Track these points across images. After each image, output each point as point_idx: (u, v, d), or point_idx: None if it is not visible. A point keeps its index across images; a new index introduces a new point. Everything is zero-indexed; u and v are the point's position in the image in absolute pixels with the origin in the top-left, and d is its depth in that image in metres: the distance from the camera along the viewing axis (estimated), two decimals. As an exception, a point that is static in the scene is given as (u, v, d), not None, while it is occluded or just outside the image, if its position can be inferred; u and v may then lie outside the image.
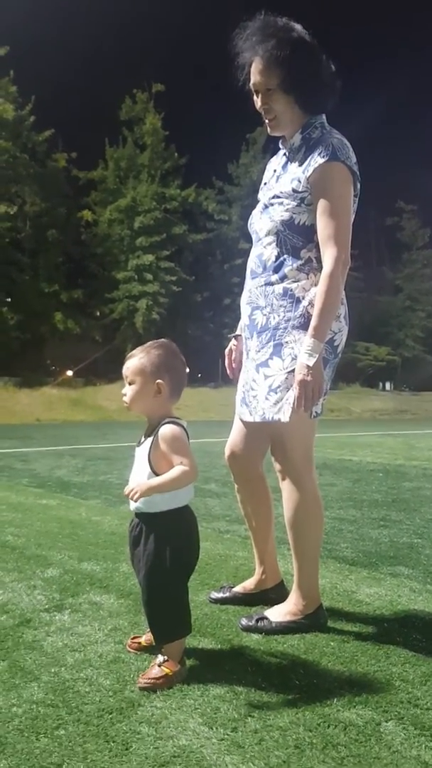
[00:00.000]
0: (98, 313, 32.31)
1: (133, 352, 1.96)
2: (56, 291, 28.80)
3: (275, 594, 2.50)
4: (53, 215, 29.44)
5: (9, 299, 27.08)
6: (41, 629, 2.23)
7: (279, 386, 2.19)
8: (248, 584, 2.56)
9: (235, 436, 2.48)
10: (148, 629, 1.97)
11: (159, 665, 1.85)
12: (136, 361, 1.91)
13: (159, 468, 1.86)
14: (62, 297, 29.09)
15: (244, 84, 2.30)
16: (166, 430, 1.86)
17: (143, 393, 1.90)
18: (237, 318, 2.56)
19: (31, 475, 6.48)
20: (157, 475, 1.85)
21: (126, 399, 1.93)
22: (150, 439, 1.89)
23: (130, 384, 1.92)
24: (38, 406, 23.15)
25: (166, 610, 1.89)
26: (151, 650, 1.99)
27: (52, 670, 1.90)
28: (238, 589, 2.55)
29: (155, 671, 1.83)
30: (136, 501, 1.83)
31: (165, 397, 1.91)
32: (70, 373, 29.85)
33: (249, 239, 2.46)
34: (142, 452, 1.91)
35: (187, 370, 1.99)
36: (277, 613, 2.28)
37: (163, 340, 2.00)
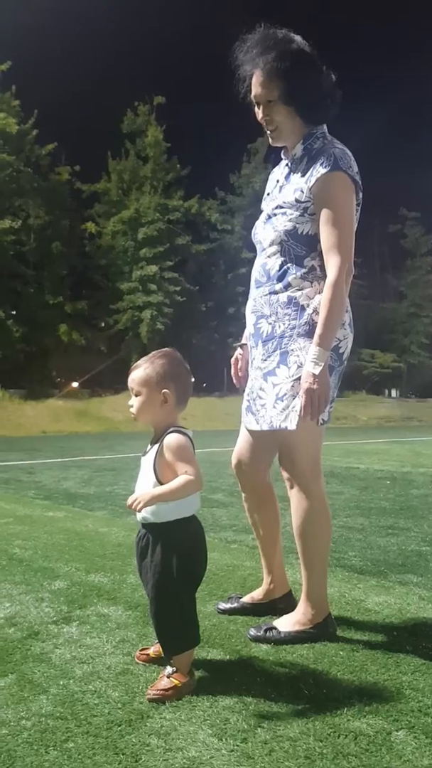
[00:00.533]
0: (103, 325, 32.39)
1: (138, 362, 1.96)
2: (61, 303, 28.92)
3: (283, 604, 2.49)
4: (57, 228, 29.61)
5: (14, 312, 27.19)
6: (49, 641, 2.22)
7: (285, 394, 2.19)
8: (256, 594, 2.55)
9: (241, 445, 2.48)
10: (157, 641, 1.97)
11: (168, 677, 1.84)
12: (141, 371, 1.91)
13: (164, 477, 1.86)
14: (67, 309, 29.19)
15: (245, 96, 2.32)
16: (171, 439, 1.86)
17: (150, 403, 1.90)
18: (241, 327, 2.57)
19: (37, 487, 6.48)
20: (162, 484, 1.85)
21: (133, 410, 1.93)
22: (155, 448, 1.89)
23: (136, 395, 1.92)
24: (44, 418, 23.18)
25: (173, 621, 1.89)
26: (159, 662, 1.99)
27: (61, 683, 1.90)
28: (246, 599, 2.54)
29: (164, 683, 1.82)
30: (139, 511, 1.83)
31: (172, 406, 1.91)
32: (75, 384, 29.89)
33: (252, 249, 2.48)
34: (147, 461, 1.92)
35: (192, 378, 1.99)
36: (285, 623, 2.27)
37: (166, 349, 2.00)
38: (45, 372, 31.18)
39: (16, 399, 25.07)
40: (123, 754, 1.52)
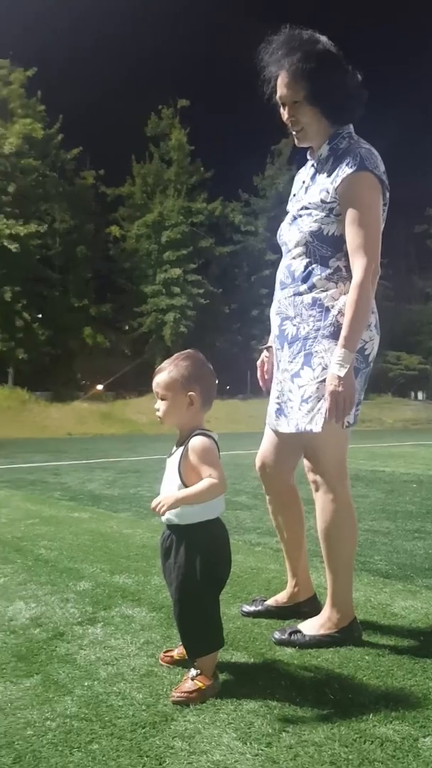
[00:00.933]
0: (127, 327, 32.60)
1: (162, 365, 1.96)
2: (85, 306, 29.18)
3: (308, 607, 2.47)
4: (82, 232, 29.91)
5: (40, 315, 27.49)
6: (74, 642, 2.24)
7: (310, 396, 2.18)
8: (281, 597, 2.53)
9: (266, 447, 2.47)
10: (181, 643, 1.96)
11: (192, 679, 1.84)
12: (165, 375, 1.91)
13: (188, 479, 1.85)
14: (91, 312, 29.46)
15: (270, 97, 2.32)
16: (197, 441, 1.85)
17: (176, 406, 1.90)
18: (265, 329, 2.56)
19: (63, 489, 6.54)
20: (186, 486, 1.85)
21: (159, 413, 1.93)
22: (180, 450, 1.89)
23: (161, 399, 1.91)
24: (69, 420, 23.40)
25: (197, 623, 1.88)
26: (183, 664, 1.98)
27: (86, 684, 1.91)
28: (271, 602, 2.53)
29: (188, 685, 1.82)
30: (163, 514, 1.83)
31: (197, 408, 1.91)
32: (100, 387, 30.14)
33: (276, 250, 2.47)
34: (172, 463, 1.92)
35: (216, 379, 1.99)
36: (310, 627, 2.25)
37: (189, 350, 1.99)
38: (70, 374, 31.48)
39: (42, 401, 25.35)
40: (147, 757, 1.52)
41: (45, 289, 28.52)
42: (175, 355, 1.99)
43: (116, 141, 46.14)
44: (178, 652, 2.03)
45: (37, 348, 26.67)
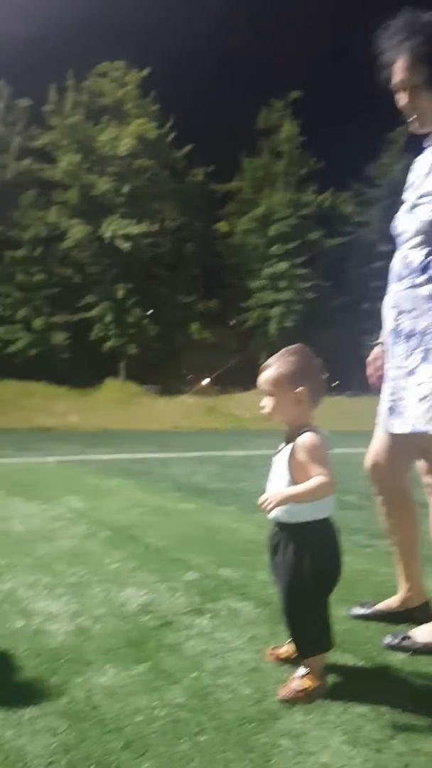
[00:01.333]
0: (232, 323, 32.86)
1: (268, 361, 1.91)
2: (193, 302, 29.74)
3: (420, 614, 2.36)
4: (191, 229, 30.48)
5: (150, 312, 28.33)
6: (181, 632, 2.27)
7: (428, 395, 2.08)
8: (392, 602, 2.45)
9: (377, 446, 2.39)
10: (288, 641, 1.94)
11: (299, 678, 1.81)
12: (273, 370, 1.87)
13: (298, 477, 1.82)
14: (199, 308, 29.97)
15: (387, 82, 2.23)
16: (306, 439, 1.82)
17: (284, 403, 1.86)
18: (376, 324, 2.46)
19: (170, 480, 6.70)
20: (295, 484, 1.82)
21: (266, 410, 1.89)
22: (289, 448, 1.86)
23: (269, 395, 1.88)
24: (176, 413, 23.97)
25: (306, 622, 1.85)
26: (291, 662, 1.96)
27: (193, 675, 1.93)
28: (382, 606, 2.45)
29: (296, 684, 1.80)
30: (270, 510, 1.81)
31: (306, 405, 1.87)
32: (206, 381, 30.64)
33: (389, 241, 2.37)
34: (280, 460, 1.89)
35: (325, 374, 1.93)
36: (423, 633, 2.15)
37: (296, 345, 1.94)
38: (177, 369, 32.25)
39: (151, 394, 26.15)
40: (254, 753, 1.51)
41: (155, 286, 29.35)
42: (283, 350, 1.93)
43: (226, 137, 46.47)
44: (285, 649, 2.01)
45: (147, 343, 27.53)
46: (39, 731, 1.59)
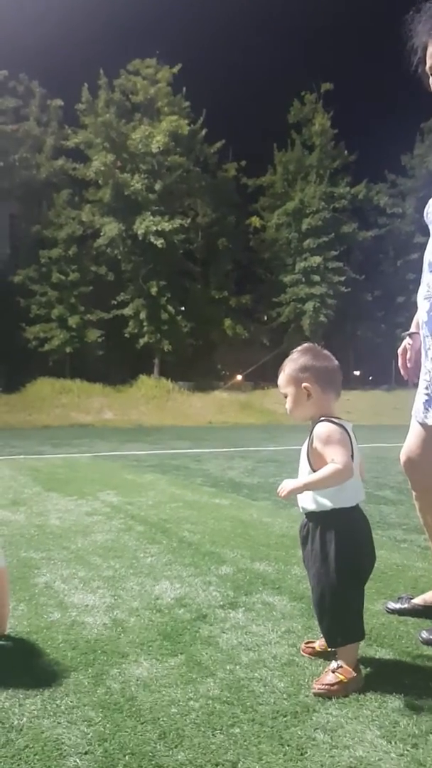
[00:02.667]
0: (266, 318, 32.71)
1: (282, 365, 1.99)
2: (226, 298, 29.66)
3: (459, 609, 2.32)
4: (223, 224, 30.36)
5: (183, 308, 28.38)
6: (216, 625, 2.28)
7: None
8: (429, 597, 2.41)
9: (412, 441, 2.35)
10: (321, 633, 1.93)
11: (334, 671, 1.80)
12: (282, 374, 1.96)
13: (317, 466, 1.85)
14: (231, 303, 29.88)
15: (417, 68, 2.18)
16: (321, 428, 1.85)
17: (297, 401, 1.92)
18: (412, 316, 2.42)
19: (204, 475, 6.72)
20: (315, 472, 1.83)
21: (288, 412, 1.97)
22: (308, 439, 1.89)
23: (285, 397, 1.96)
24: (210, 409, 24.01)
25: (334, 611, 1.84)
26: (325, 656, 1.95)
27: (227, 668, 1.94)
28: (418, 600, 2.41)
29: (330, 677, 1.79)
30: (284, 498, 1.84)
31: (317, 397, 1.90)
32: (240, 377, 30.59)
33: (425, 232, 2.33)
34: (302, 451, 1.93)
35: (335, 363, 1.95)
36: (461, 630, 2.12)
37: (304, 344, 2.01)
38: (210, 365, 32.26)
39: (185, 391, 26.23)
40: (288, 746, 1.51)
41: (188, 282, 29.37)
42: (291, 351, 2.00)
43: (258, 131, 46.32)
44: (320, 643, 2.01)
45: (180, 339, 27.56)
46: (75, 721, 1.62)
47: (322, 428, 1.84)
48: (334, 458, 1.79)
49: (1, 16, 32.48)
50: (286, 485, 1.83)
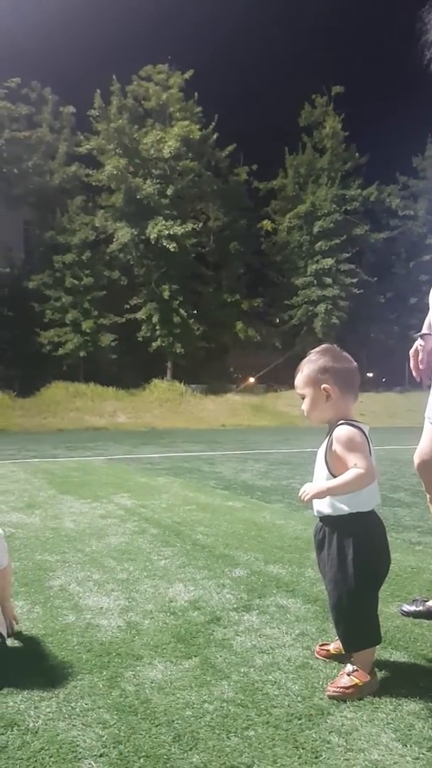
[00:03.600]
0: (277, 320, 32.68)
1: (299, 366, 1.96)
2: (237, 301, 29.68)
3: (474, 612, 2.31)
4: (235, 228, 30.41)
5: (195, 311, 28.44)
6: (230, 628, 2.28)
7: None
8: (444, 599, 2.39)
9: (425, 443, 2.34)
10: (338, 637, 1.93)
11: (348, 674, 1.79)
12: (300, 374, 1.93)
13: (336, 470, 1.83)
14: (243, 306, 29.89)
15: (430, 64, 2.18)
16: (341, 431, 1.82)
17: (315, 402, 1.90)
18: (424, 318, 2.41)
19: (217, 478, 6.72)
20: (333, 476, 1.82)
21: (305, 413, 1.95)
22: (326, 441, 1.87)
23: (302, 398, 1.93)
24: (223, 412, 24.03)
25: (352, 615, 1.83)
26: (339, 658, 1.94)
27: (242, 670, 1.93)
28: (433, 603, 2.40)
29: (345, 680, 1.78)
30: (306, 503, 1.83)
31: (336, 399, 1.88)
32: (252, 380, 30.58)
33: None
34: (319, 454, 1.91)
35: (354, 364, 1.92)
36: None
37: (323, 345, 1.98)
38: (223, 368, 32.26)
39: (198, 394, 26.27)
40: (303, 749, 1.50)
41: (200, 286, 29.43)
42: (309, 351, 1.98)
43: (269, 135, 46.24)
44: (335, 646, 2.00)
45: (192, 343, 27.62)
46: (90, 724, 1.62)
47: (343, 431, 1.82)
48: (357, 463, 1.77)
49: (13, 23, 32.79)
50: (309, 489, 1.81)
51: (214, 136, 29.44)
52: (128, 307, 27.12)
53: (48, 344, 25.70)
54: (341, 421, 1.85)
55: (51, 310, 25.98)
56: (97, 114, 27.51)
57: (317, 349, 1.95)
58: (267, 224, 32.07)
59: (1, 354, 26.07)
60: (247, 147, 34.34)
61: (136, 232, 26.45)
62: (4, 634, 2.06)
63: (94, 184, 27.67)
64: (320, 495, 1.81)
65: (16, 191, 26.54)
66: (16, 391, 23.30)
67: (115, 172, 26.04)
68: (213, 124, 29.23)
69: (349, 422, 1.84)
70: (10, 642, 2.13)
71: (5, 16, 28.89)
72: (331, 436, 1.85)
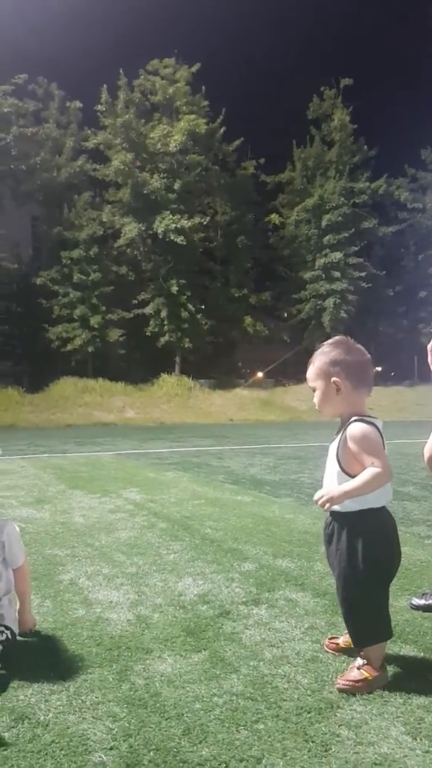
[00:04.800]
0: (286, 315, 32.61)
1: (311, 357, 1.93)
2: (245, 295, 29.63)
3: None
4: (242, 222, 30.33)
5: (203, 306, 28.42)
6: (239, 622, 2.28)
7: None
8: (453, 593, 2.39)
9: (435, 436, 2.33)
10: (347, 631, 1.92)
11: (358, 668, 1.79)
12: (312, 367, 1.90)
13: (348, 467, 1.80)
14: (251, 301, 29.84)
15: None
16: (355, 428, 1.79)
17: (326, 395, 1.87)
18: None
19: (226, 472, 6.72)
20: (346, 473, 1.80)
21: (316, 406, 1.92)
22: (338, 437, 1.85)
23: (314, 391, 1.91)
24: (231, 406, 24.01)
25: (362, 611, 1.83)
26: (349, 652, 1.94)
27: (251, 664, 1.94)
28: (442, 597, 2.39)
29: (354, 674, 1.78)
30: (327, 509, 1.79)
31: (347, 392, 1.84)
32: (260, 374, 30.54)
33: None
34: (331, 450, 1.88)
35: (367, 356, 1.90)
36: None
37: (336, 337, 1.94)
38: (231, 363, 32.25)
39: (206, 388, 26.25)
40: (313, 742, 1.50)
41: (207, 281, 29.40)
42: (320, 344, 1.95)
43: (277, 128, 46.10)
44: (344, 640, 2.00)
45: (200, 337, 27.60)
46: (100, 717, 1.63)
47: (357, 429, 1.79)
48: (374, 462, 1.74)
49: (19, 20, 32.76)
50: (328, 494, 1.77)
51: (222, 130, 29.33)
52: (136, 302, 27.13)
53: (56, 340, 25.74)
54: (354, 417, 1.82)
55: (59, 305, 26.02)
56: (104, 109, 27.46)
57: (330, 340, 1.93)
58: (275, 218, 31.95)
59: (10, 350, 26.17)
60: (255, 140, 34.29)
61: (143, 227, 26.42)
62: (16, 630, 2.07)
63: (101, 179, 27.67)
64: (339, 500, 1.77)
65: (24, 187, 26.56)
66: (25, 386, 23.39)
67: (121, 167, 26.01)
68: (221, 117, 29.13)
69: (363, 418, 1.81)
70: (21, 637, 2.14)
71: (11, 13, 28.89)
72: (344, 432, 1.82)
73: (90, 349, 25.57)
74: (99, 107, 27.55)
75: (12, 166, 25.81)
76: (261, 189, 32.11)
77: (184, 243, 25.72)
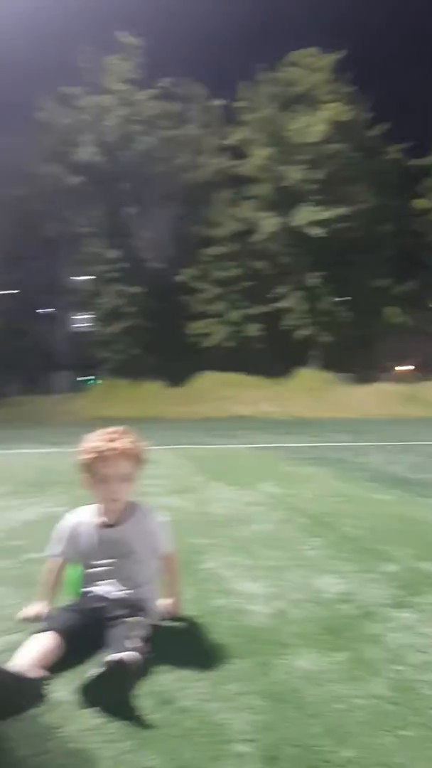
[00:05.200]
0: (432, 305, 31.11)
1: None
2: (389, 285, 28.61)
3: None
4: (386, 209, 29.27)
5: (343, 298, 27.86)
6: (382, 624, 2.20)
7: None
8: None
9: None
10: None
11: None
12: None
13: None
14: (395, 291, 28.75)
15: None
16: None
17: None
18: None
19: (364, 469, 6.54)
20: None
21: None
22: None
23: None
24: (372, 401, 23.34)
25: None
26: None
27: (395, 668, 1.86)
28: None
29: None
30: None
31: None
32: (406, 368, 29.39)
33: None
34: None
35: None
36: None
37: None
38: (372, 356, 31.31)
39: (345, 382, 25.75)
40: (463, 757, 1.41)
41: (348, 271, 28.77)
42: None
43: (425, 111, 43.82)
44: None
45: (340, 331, 27.10)
46: (241, 708, 1.64)
47: None
48: None
49: (165, 25, 33.91)
50: None
51: (367, 116, 28.43)
52: (273, 296, 27.19)
53: (197, 335, 26.52)
54: None
55: (199, 302, 26.77)
56: (244, 105, 27.73)
57: None
58: (421, 202, 30.50)
59: (153, 346, 27.38)
60: (402, 124, 32.83)
61: (282, 221, 26.39)
62: (156, 618, 2.13)
63: (239, 175, 28.00)
64: None
65: (167, 189, 27.58)
66: (168, 381, 24.35)
67: (261, 162, 26.14)
68: (366, 103, 28.25)
69: None
70: (167, 622, 2.22)
71: (160, 17, 29.99)
72: None
73: (229, 343, 26.07)
74: (239, 103, 27.86)
75: (156, 169, 26.90)
76: (406, 173, 30.80)
77: (325, 235, 25.34)
